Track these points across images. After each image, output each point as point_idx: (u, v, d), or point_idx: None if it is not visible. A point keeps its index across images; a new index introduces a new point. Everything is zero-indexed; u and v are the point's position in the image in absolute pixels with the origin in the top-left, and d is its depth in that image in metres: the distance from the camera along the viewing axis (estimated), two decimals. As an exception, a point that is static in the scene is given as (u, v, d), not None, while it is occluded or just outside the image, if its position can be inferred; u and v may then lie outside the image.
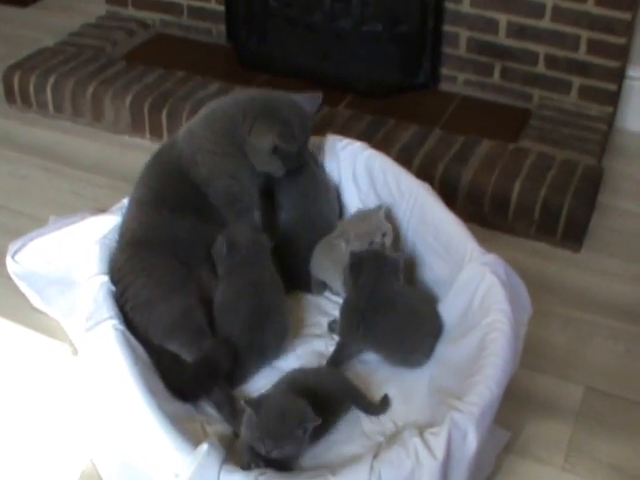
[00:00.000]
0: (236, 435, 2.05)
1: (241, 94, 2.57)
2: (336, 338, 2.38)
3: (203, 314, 2.30)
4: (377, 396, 2.23)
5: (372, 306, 2.28)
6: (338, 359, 2.31)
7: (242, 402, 1.97)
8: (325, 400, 2.06)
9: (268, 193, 2.58)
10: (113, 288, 2.28)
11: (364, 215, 2.53)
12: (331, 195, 2.67)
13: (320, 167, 2.68)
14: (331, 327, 2.43)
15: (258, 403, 1.95)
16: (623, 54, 3.25)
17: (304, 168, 2.56)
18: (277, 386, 2.13)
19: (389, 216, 2.52)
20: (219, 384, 2.19)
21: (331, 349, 2.35)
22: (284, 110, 2.44)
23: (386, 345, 2.30)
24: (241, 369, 2.25)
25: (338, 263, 2.40)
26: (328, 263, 2.48)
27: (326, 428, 2.09)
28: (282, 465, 1.94)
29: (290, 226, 2.59)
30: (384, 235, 2.42)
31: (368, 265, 2.30)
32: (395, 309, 2.29)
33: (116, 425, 2.04)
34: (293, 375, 2.18)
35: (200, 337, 2.25)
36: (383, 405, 2.20)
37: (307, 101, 2.51)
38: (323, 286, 2.56)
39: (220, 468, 1.81)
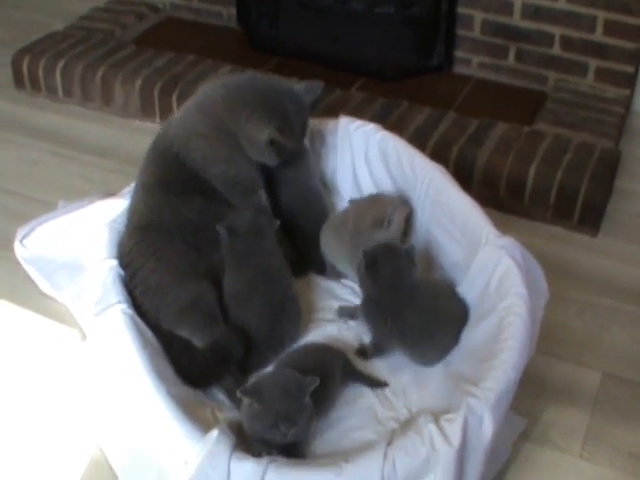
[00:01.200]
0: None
1: (238, 77, 2.53)
2: (349, 323, 2.36)
3: (214, 298, 2.26)
4: (391, 382, 2.20)
5: (395, 299, 2.22)
6: (370, 356, 2.29)
7: (238, 393, 1.90)
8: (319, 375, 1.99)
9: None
10: (122, 272, 2.25)
11: (373, 199, 2.50)
12: (317, 171, 2.65)
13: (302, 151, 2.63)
14: (341, 312, 2.40)
15: (256, 390, 1.89)
16: (641, 35, 3.20)
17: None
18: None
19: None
20: (231, 371, 2.16)
21: (344, 333, 2.34)
22: (284, 102, 2.40)
23: (410, 342, 2.25)
24: (260, 358, 2.22)
25: (345, 244, 2.38)
26: (335, 244, 2.45)
27: (327, 404, 2.07)
28: (293, 451, 1.90)
29: (291, 204, 2.55)
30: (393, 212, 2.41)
31: (383, 260, 2.23)
32: (418, 304, 2.23)
33: (125, 411, 2.02)
34: (283, 359, 2.16)
35: (212, 322, 2.22)
36: (379, 381, 2.19)
37: (306, 90, 2.46)
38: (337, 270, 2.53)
39: (230, 455, 1.77)
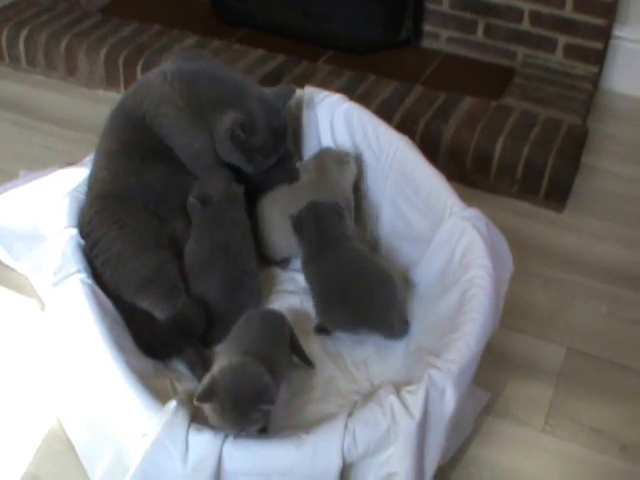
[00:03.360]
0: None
1: (227, 72, 2.49)
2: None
3: (177, 270, 2.24)
4: (353, 355, 2.19)
5: (326, 255, 2.23)
6: (322, 325, 2.27)
7: (194, 402, 1.79)
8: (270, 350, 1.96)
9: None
10: (82, 241, 2.21)
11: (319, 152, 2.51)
12: (290, 146, 2.59)
13: None
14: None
15: (209, 394, 1.78)
16: (610, 12, 3.18)
17: None
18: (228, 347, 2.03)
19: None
20: (192, 344, 2.14)
21: (306, 305, 2.31)
22: (254, 104, 2.35)
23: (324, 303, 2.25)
24: (220, 331, 2.18)
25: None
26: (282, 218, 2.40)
27: (278, 376, 1.98)
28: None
29: (256, 177, 2.49)
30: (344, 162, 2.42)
31: (307, 217, 2.25)
32: (350, 272, 2.23)
33: (83, 382, 1.99)
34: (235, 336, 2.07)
35: (174, 294, 2.19)
36: (310, 361, 2.16)
37: (277, 96, 2.42)
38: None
39: (188, 427, 1.75)
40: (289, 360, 2.07)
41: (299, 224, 2.26)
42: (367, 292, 2.20)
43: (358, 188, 2.51)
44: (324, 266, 2.24)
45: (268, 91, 2.45)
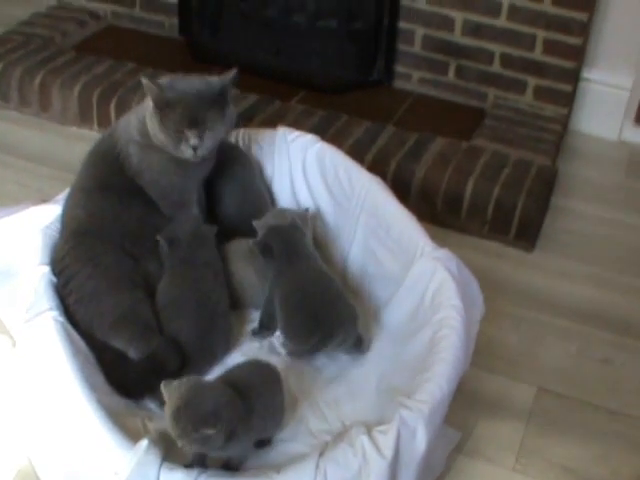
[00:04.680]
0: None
1: None
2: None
3: (150, 310, 2.23)
4: (324, 395, 2.18)
5: (291, 265, 2.29)
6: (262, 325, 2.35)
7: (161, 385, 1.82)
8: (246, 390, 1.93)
9: (207, 186, 2.50)
10: (54, 279, 2.21)
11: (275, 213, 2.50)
12: (262, 186, 2.63)
13: (246, 157, 2.61)
14: (254, 332, 2.37)
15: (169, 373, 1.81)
16: (579, 55, 3.24)
17: (237, 159, 2.53)
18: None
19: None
20: (165, 383, 2.13)
21: (275, 342, 2.32)
22: (183, 77, 2.32)
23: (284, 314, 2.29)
24: (192, 369, 2.18)
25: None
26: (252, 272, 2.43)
27: (272, 424, 2.01)
28: (227, 465, 1.88)
29: (233, 216, 2.52)
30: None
31: (273, 242, 2.31)
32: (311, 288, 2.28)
33: (54, 421, 1.97)
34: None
35: (148, 333, 2.18)
36: None
37: (218, 80, 2.32)
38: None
39: (160, 465, 1.74)
40: (272, 418, 2.01)
41: (267, 250, 2.30)
42: (328, 307, 2.25)
43: (318, 243, 2.51)
44: (292, 282, 2.27)
45: (211, 78, 2.34)
